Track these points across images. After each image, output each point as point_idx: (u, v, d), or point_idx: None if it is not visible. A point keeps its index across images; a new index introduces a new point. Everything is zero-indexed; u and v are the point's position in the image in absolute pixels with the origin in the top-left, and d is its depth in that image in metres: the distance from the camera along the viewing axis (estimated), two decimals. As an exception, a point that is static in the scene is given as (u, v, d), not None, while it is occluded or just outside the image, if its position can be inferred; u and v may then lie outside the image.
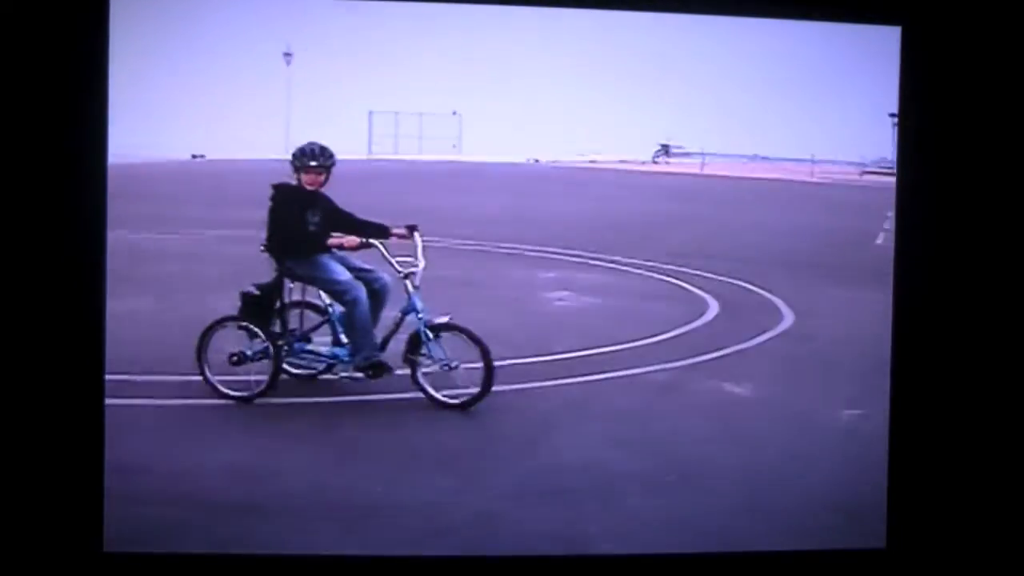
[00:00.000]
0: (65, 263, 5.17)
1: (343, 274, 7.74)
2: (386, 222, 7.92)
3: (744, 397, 7.98)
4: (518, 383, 8.07)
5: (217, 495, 5.84)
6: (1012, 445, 5.52)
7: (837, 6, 5.79)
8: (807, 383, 8.62)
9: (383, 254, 7.82)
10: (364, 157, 19.39)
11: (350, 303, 7.70)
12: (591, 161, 26.08)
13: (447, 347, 7.57)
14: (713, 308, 11.06)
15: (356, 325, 7.72)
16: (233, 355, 7.70)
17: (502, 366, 7.90)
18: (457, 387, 7.53)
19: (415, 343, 7.66)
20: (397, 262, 7.79)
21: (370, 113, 18.45)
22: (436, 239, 14.41)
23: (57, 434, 5.14)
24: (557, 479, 6.41)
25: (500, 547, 5.62)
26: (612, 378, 8.25)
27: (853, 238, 17.20)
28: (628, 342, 8.78)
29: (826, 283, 13.04)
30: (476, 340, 7.49)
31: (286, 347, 7.84)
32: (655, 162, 26.05)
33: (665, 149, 25.91)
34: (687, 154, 26.02)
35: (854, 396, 8.12)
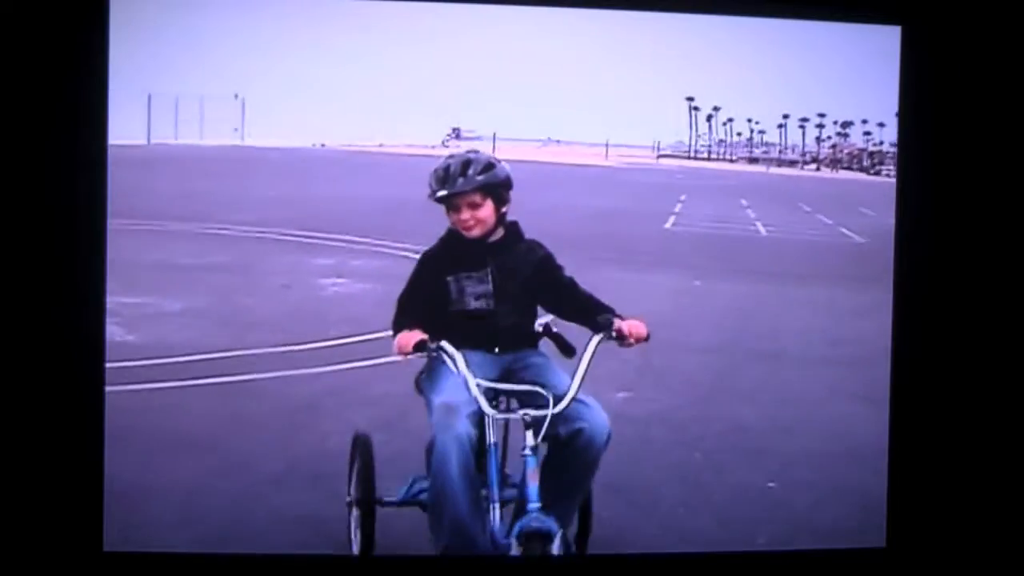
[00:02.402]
0: (65, 258, 5.03)
1: (446, 393, 4.55)
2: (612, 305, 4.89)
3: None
4: (287, 370, 7.85)
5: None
6: (1013, 443, 5.49)
7: (837, 5, 5.67)
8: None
9: (453, 364, 4.56)
10: (143, 143, 18.91)
11: (428, 446, 4.56)
12: (379, 145, 25.90)
13: None
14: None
15: (431, 489, 4.59)
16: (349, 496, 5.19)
17: (271, 352, 7.81)
18: None
19: None
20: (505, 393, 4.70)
21: (149, 96, 17.95)
22: (216, 226, 14.33)
23: (57, 433, 5.01)
24: (319, 464, 6.17)
25: (254, 532, 5.48)
26: (381, 364, 7.92)
27: (643, 222, 17.41)
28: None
29: (610, 267, 13.06)
30: None
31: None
32: (445, 146, 26.01)
33: (456, 133, 25.91)
34: (478, 138, 26.06)
35: (625, 379, 8.13)
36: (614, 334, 4.69)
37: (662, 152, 25.22)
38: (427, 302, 4.87)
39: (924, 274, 5.45)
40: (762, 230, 17.53)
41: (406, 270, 4.92)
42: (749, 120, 24.72)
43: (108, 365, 6.70)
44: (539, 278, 4.98)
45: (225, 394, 7.36)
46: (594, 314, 4.81)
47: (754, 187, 22.26)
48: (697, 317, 10.67)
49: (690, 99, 23.59)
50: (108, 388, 6.86)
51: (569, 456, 4.57)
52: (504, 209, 4.94)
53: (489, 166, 4.86)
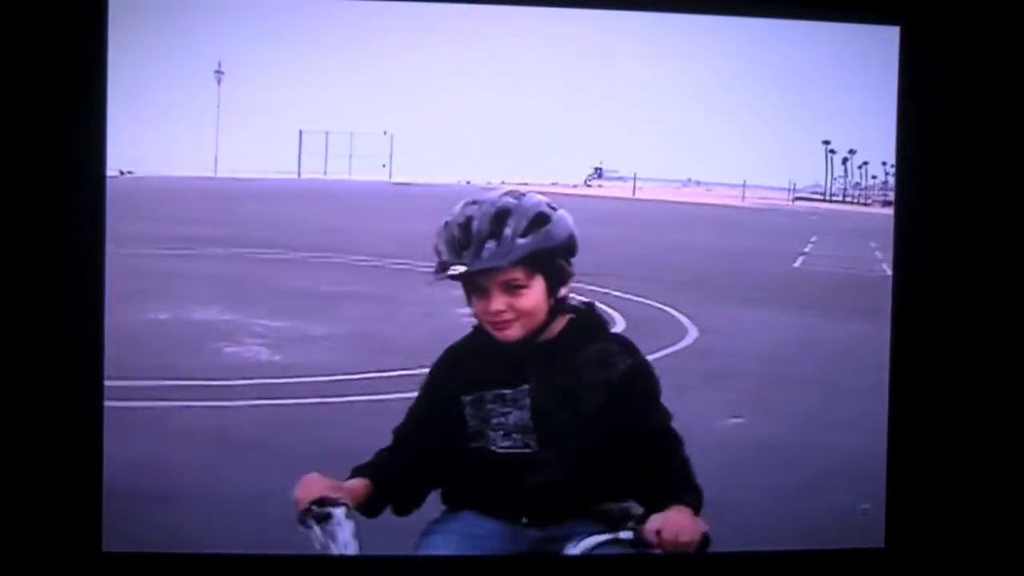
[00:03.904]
0: (64, 261, 4.95)
1: None
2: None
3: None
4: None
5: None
6: (1012, 444, 5.49)
7: (835, 6, 5.55)
8: (695, 393, 8.89)
9: (330, 543, 3.03)
10: (294, 177, 19.54)
11: None
12: (523, 183, 26.15)
13: None
14: (619, 325, 11.38)
15: None
16: None
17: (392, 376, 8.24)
18: None
19: None
20: None
21: (300, 132, 18.54)
22: (364, 257, 14.85)
23: (56, 433, 4.97)
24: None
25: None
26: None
27: (772, 261, 17.67)
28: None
29: (737, 303, 13.43)
30: None
31: None
32: (587, 185, 26.00)
33: (598, 172, 25.85)
34: (621, 178, 26.07)
35: (740, 406, 8.54)
36: (628, 535, 2.90)
37: (798, 195, 25.26)
38: (429, 434, 3.24)
39: (924, 274, 5.42)
40: (889, 271, 17.62)
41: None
42: (883, 164, 24.68)
43: (251, 382, 7.02)
44: (612, 409, 3.08)
45: (367, 412, 7.79)
46: (641, 491, 3.02)
47: (886, 230, 22.21)
48: (808, 354, 10.97)
49: (826, 142, 23.59)
50: (249, 402, 7.33)
51: None
52: (564, 291, 3.16)
53: (540, 219, 3.09)
